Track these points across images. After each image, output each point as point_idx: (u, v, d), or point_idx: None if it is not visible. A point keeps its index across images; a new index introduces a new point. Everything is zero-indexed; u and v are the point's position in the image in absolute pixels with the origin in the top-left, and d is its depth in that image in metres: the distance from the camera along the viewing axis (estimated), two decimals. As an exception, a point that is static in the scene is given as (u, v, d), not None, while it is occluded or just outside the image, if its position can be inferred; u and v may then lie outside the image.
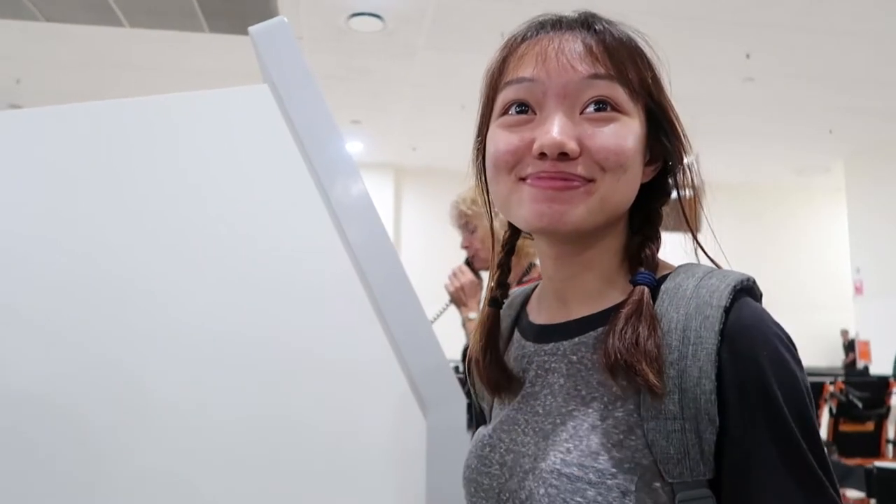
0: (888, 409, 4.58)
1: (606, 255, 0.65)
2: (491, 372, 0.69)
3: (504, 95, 0.63)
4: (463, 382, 1.71)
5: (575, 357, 0.63)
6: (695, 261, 0.66)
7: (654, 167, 0.66)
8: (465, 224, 1.81)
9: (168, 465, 0.68)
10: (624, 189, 0.61)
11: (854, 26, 5.98)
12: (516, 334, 0.72)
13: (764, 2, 5.51)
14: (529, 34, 0.64)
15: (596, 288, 0.65)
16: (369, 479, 0.70)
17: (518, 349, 0.70)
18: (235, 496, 0.68)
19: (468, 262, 1.82)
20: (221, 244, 0.72)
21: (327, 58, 6.66)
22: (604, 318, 0.62)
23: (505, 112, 0.63)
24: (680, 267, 0.63)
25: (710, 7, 5.56)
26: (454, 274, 1.79)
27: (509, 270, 0.75)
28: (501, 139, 0.62)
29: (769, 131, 8.91)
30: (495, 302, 0.73)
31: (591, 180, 0.59)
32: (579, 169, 0.59)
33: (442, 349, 0.66)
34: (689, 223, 0.67)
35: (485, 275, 1.85)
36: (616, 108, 0.60)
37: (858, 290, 10.46)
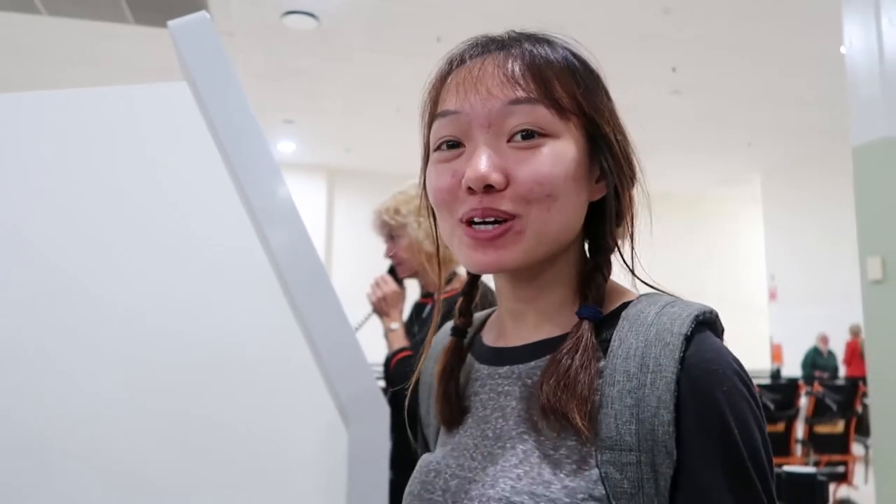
0: (797, 410, 4.83)
1: (562, 278, 0.63)
2: (445, 402, 0.67)
3: (435, 129, 0.62)
4: (385, 391, 1.70)
5: (530, 381, 0.60)
6: (623, 275, 0.65)
7: (604, 183, 0.63)
8: (388, 233, 1.80)
9: (84, 464, 0.65)
10: (559, 218, 0.59)
11: (774, 46, 6.29)
12: (469, 358, 0.70)
13: (691, 19, 5.73)
14: (455, 62, 0.62)
15: (553, 311, 0.63)
16: (289, 492, 0.68)
17: (471, 373, 0.68)
18: (144, 488, 0.65)
19: (391, 271, 1.81)
20: (136, 247, 0.69)
21: (260, 56, 6.52)
22: (561, 342, 0.60)
23: (438, 147, 0.61)
24: (643, 295, 0.62)
25: (639, 21, 5.74)
26: (377, 283, 1.77)
27: (472, 299, 0.73)
28: (436, 176, 0.61)
29: (694, 143, 9.27)
30: (458, 331, 0.71)
31: (514, 215, 0.57)
32: (504, 204, 0.57)
33: (366, 359, 0.64)
34: (613, 240, 0.64)
35: (409, 283, 1.83)
36: (542, 133, 0.58)
37: (773, 296, 11.01)
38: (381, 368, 1.73)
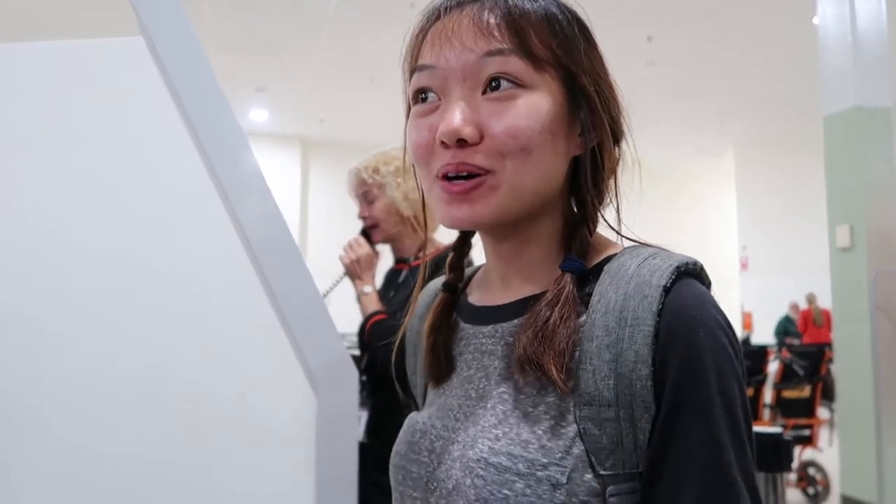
0: (765, 375, 4.94)
1: (546, 234, 0.62)
2: (434, 356, 0.66)
3: (413, 83, 0.61)
4: (357, 359, 1.68)
5: (512, 339, 0.59)
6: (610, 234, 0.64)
7: (588, 138, 0.61)
8: (365, 193, 1.75)
9: (51, 439, 0.64)
10: (534, 171, 0.57)
11: (749, 18, 6.30)
12: (454, 317, 0.69)
13: (665, -12, 5.71)
14: (433, 15, 0.61)
15: (537, 268, 0.62)
16: (255, 458, 0.68)
17: (456, 332, 0.67)
18: (112, 457, 0.64)
19: (365, 234, 1.77)
20: (90, 215, 0.67)
21: (231, 22, 6.37)
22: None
23: (416, 100, 0.60)
24: (626, 248, 0.60)
25: (615, -10, 5.70)
26: (350, 245, 1.73)
27: (463, 255, 0.71)
28: (414, 132, 0.60)
29: (668, 116, 9.30)
30: (450, 287, 0.70)
31: (489, 170, 0.56)
32: (478, 158, 0.56)
33: (335, 326, 0.63)
34: (597, 195, 0.62)
35: (383, 248, 1.80)
36: (517, 84, 0.56)
37: (744, 265, 11.20)
38: (355, 338, 1.72)
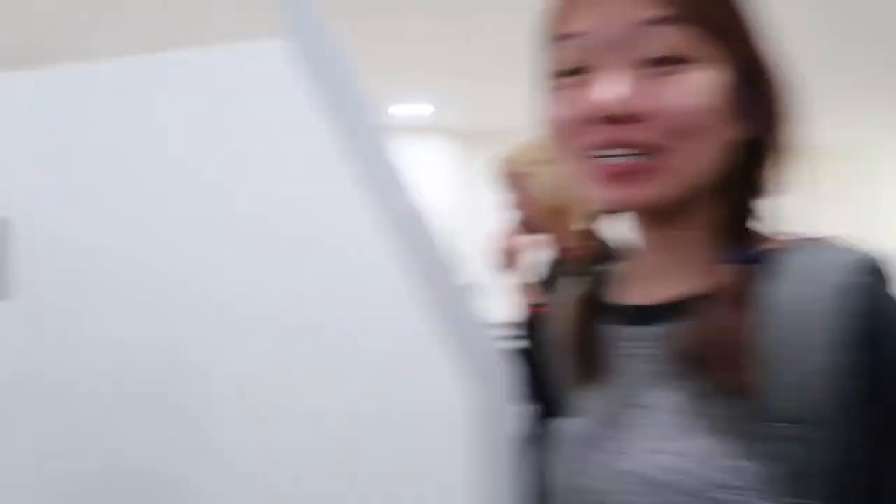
0: None
1: (706, 224, 0.56)
2: (580, 360, 0.63)
3: (557, 53, 0.55)
4: (518, 352, 1.66)
5: (675, 341, 0.55)
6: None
7: (750, 119, 0.55)
8: (513, 183, 1.73)
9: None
10: (702, 156, 0.52)
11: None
12: (600, 317, 0.64)
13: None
14: None
15: (696, 262, 0.56)
16: (405, 456, 0.66)
17: (603, 332, 0.62)
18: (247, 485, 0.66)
19: (518, 225, 1.75)
20: (238, 222, 0.68)
21: (385, 17, 6.57)
22: (706, 298, 0.54)
23: (558, 72, 0.55)
24: (796, 242, 0.54)
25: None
26: (502, 237, 1.73)
27: (603, 249, 0.68)
28: (556, 105, 0.55)
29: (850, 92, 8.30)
30: (593, 284, 0.66)
31: (655, 150, 0.51)
32: (637, 136, 0.51)
33: (485, 319, 0.61)
34: (760, 184, 0.56)
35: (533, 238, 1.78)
36: (685, 59, 0.51)
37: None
38: (516, 330, 1.71)
